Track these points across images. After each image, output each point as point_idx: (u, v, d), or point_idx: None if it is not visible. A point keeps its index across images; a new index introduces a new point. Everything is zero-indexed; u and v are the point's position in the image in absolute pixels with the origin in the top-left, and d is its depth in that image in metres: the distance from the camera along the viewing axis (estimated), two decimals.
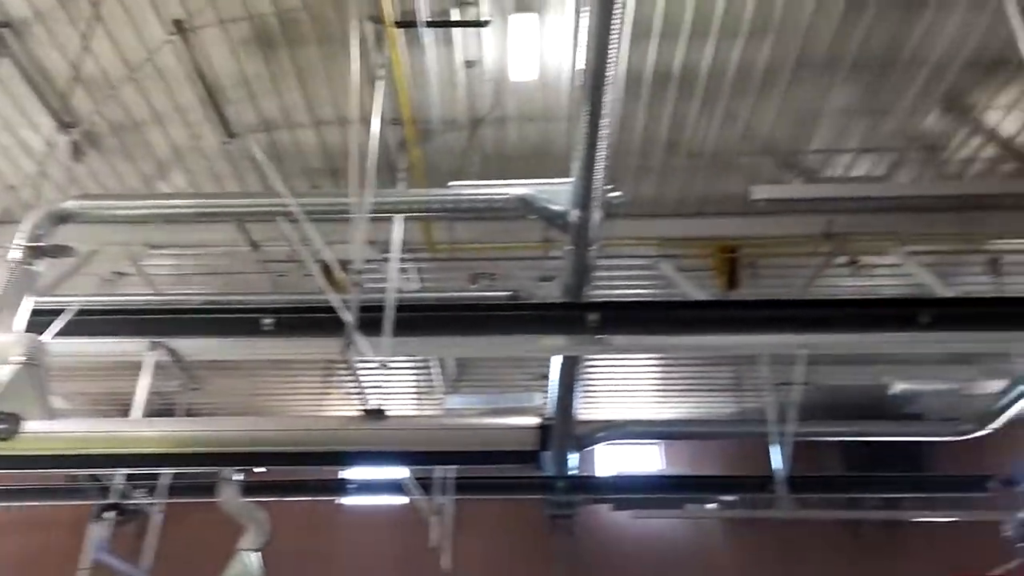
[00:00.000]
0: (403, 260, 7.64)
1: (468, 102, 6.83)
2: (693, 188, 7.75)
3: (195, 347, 5.77)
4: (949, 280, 7.94)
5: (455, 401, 10.03)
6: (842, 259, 8.37)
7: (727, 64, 6.39)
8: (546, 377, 8.84)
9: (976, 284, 8.48)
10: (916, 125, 7.01)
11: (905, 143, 7.21)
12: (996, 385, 9.71)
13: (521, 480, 9.50)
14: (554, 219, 5.94)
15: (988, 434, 10.28)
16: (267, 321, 5.53)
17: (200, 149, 7.34)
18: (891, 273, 8.47)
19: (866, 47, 6.21)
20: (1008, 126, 6.99)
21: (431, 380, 10.67)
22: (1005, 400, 9.65)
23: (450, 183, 6.25)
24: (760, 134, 7.08)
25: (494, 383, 10.96)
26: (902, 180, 7.61)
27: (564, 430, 8.62)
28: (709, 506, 9.95)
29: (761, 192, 4.82)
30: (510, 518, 11.47)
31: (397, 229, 6.30)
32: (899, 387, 9.62)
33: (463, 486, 9.54)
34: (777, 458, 8.70)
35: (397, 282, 5.93)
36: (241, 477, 7.70)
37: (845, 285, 8.67)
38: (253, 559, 6.55)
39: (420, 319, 5.65)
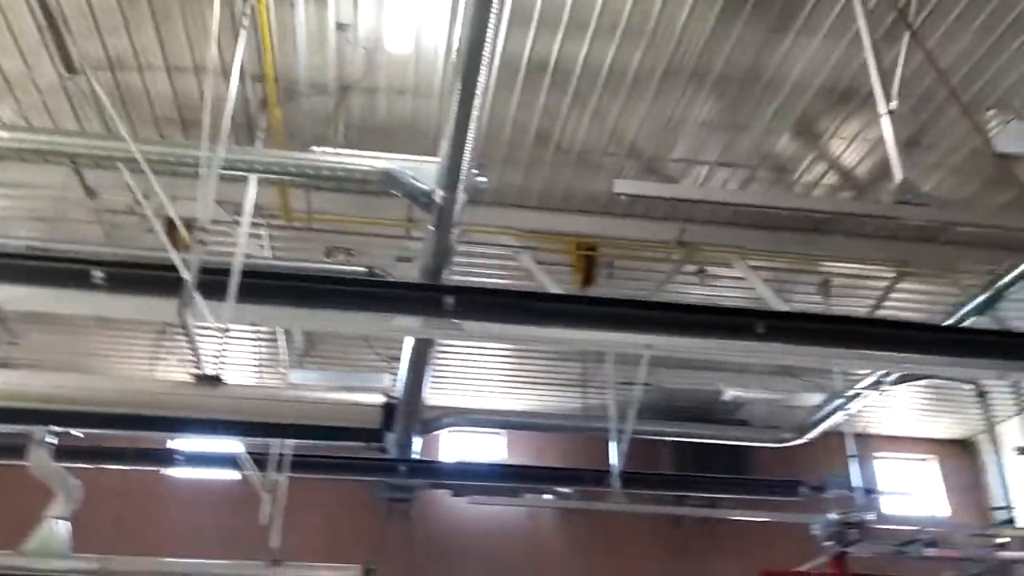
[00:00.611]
0: (254, 224, 7.30)
1: (338, 67, 6.59)
2: (558, 183, 7.83)
3: (13, 296, 5.25)
4: (784, 296, 8.44)
5: (299, 376, 9.69)
6: (691, 267, 8.74)
7: (601, 62, 6.48)
8: (397, 359, 8.71)
9: (808, 303, 9.04)
10: (770, 145, 7.38)
11: (758, 161, 7.57)
12: (815, 398, 10.44)
13: (360, 461, 9.30)
14: (418, 197, 5.83)
15: (804, 443, 11.11)
16: (98, 274, 5.08)
17: (34, 81, 6.70)
18: (734, 285, 8.89)
19: (731, 63, 6.46)
20: (850, 156, 7.49)
21: (276, 353, 10.28)
22: (821, 413, 10.41)
23: (312, 148, 6.01)
24: (627, 136, 7.24)
25: (343, 362, 10.71)
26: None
27: (411, 412, 8.52)
28: (546, 496, 10.14)
29: (623, 187, 4.90)
30: (346, 499, 11.25)
31: (250, 190, 5.99)
32: (730, 393, 10.14)
33: (300, 464, 9.22)
34: (614, 454, 8.97)
35: (246, 246, 5.63)
36: (55, 439, 7.09)
37: (692, 292, 9.04)
38: (60, 528, 6.04)
39: (268, 287, 5.36)
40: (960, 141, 7.24)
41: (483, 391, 11.65)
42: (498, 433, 12.40)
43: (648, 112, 6.98)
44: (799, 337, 7.24)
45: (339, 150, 6.00)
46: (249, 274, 4.99)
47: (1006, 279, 7.73)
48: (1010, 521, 9.85)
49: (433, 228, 5.91)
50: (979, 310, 7.99)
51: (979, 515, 12.37)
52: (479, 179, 5.92)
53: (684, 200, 4.84)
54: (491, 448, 12.36)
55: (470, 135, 5.14)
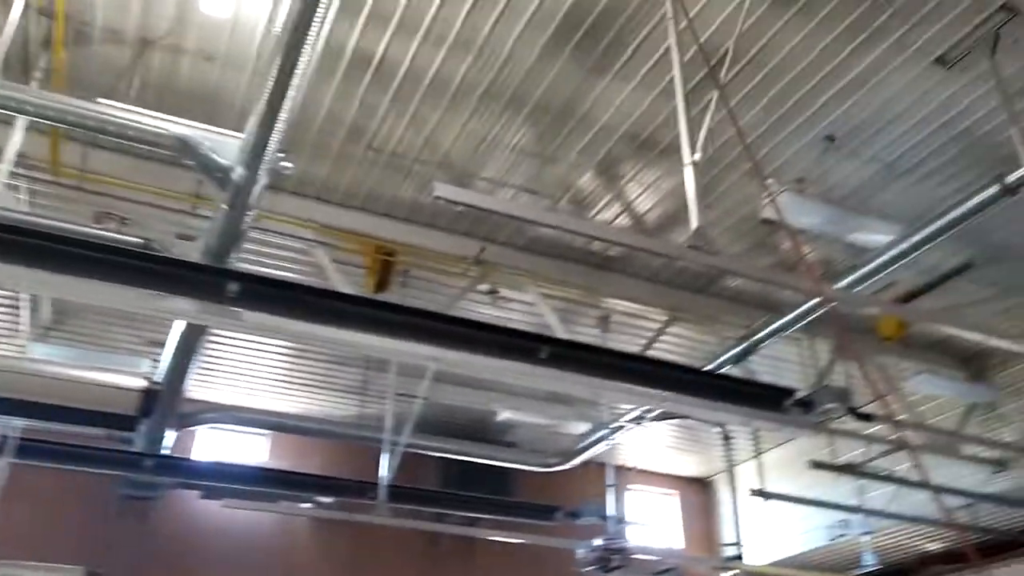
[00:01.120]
0: (15, 174, 6.45)
1: (142, 17, 6.02)
2: (365, 182, 7.64)
3: None
4: (567, 325, 8.77)
5: (41, 351, 8.66)
6: (484, 287, 8.85)
7: (426, 69, 6.42)
8: (157, 344, 8.03)
9: (587, 335, 9.45)
10: (573, 179, 7.66)
11: (561, 193, 7.84)
12: (582, 427, 10.94)
13: (102, 452, 8.41)
14: (213, 171, 5.42)
15: (567, 469, 11.57)
16: None
17: None
18: (521, 310, 9.10)
19: (549, 94, 6.65)
20: (643, 202, 7.94)
21: (16, 322, 9.13)
22: (586, 442, 10.91)
23: (99, 100, 5.42)
24: (441, 147, 7.22)
25: (95, 341, 9.71)
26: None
27: (169, 403, 7.87)
28: (304, 505, 9.74)
29: (444, 191, 4.84)
30: (73, 492, 10.10)
31: (16, 134, 5.29)
32: (505, 415, 10.35)
33: (28, 449, 8.19)
34: (384, 466, 8.82)
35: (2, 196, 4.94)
36: None
37: (482, 312, 9.14)
38: None
39: (19, 244, 4.75)
40: (736, 204, 7.90)
41: (253, 388, 11.04)
42: (262, 434, 11.80)
43: (465, 127, 7.01)
44: (579, 366, 7.52)
45: (130, 107, 5.45)
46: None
47: (759, 335, 8.55)
48: (738, 557, 10.79)
49: (226, 207, 5.52)
50: (734, 360, 8.76)
51: (709, 549, 13.49)
52: (284, 164, 5.61)
53: (500, 214, 4.86)
54: (251, 450, 11.73)
55: (282, 116, 4.87)
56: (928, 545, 11.97)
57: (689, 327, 9.46)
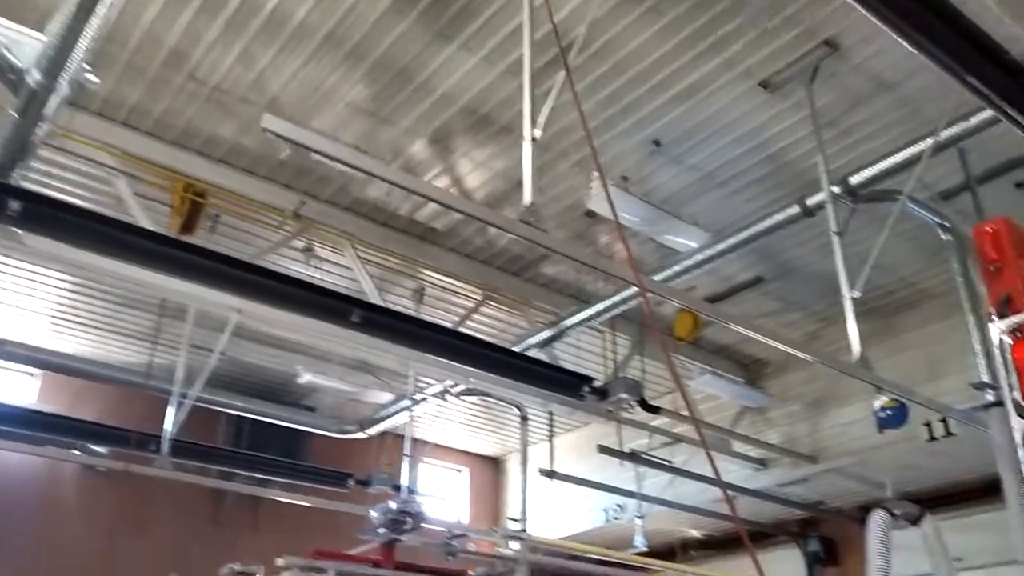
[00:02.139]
0: None
1: None
2: (182, 114, 7.08)
3: None
4: (383, 295, 8.62)
5: None
6: (300, 244, 8.52)
7: (264, 1, 6.03)
8: None
9: (401, 306, 9.35)
10: (405, 145, 7.51)
11: (391, 157, 7.66)
12: (385, 397, 10.84)
13: None
14: (5, 72, 4.82)
15: (364, 438, 11.45)
16: None
17: None
18: (336, 273, 8.82)
19: (392, 53, 6.46)
20: (472, 178, 7.94)
21: None
22: (387, 412, 10.84)
23: None
24: (270, 89, 6.83)
25: None
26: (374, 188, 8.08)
27: None
28: (76, 452, 8.99)
29: (273, 123, 4.55)
30: None
31: None
32: (307, 377, 10.05)
33: None
34: (171, 419, 8.31)
35: None
36: None
37: (295, 270, 8.75)
38: None
39: None
40: (561, 193, 8.08)
41: (26, 321, 10.00)
42: (31, 373, 10.77)
43: (298, 72, 6.66)
44: (390, 333, 7.45)
45: None
46: None
47: (568, 322, 8.84)
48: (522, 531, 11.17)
49: (16, 115, 4.92)
50: (541, 344, 9.01)
51: (496, 524, 13.86)
52: (89, 77, 5.07)
53: (330, 159, 4.62)
54: (18, 388, 10.67)
55: (93, 22, 4.40)
56: (690, 531, 12.99)
57: (502, 308, 9.60)
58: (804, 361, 11.19)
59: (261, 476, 10.35)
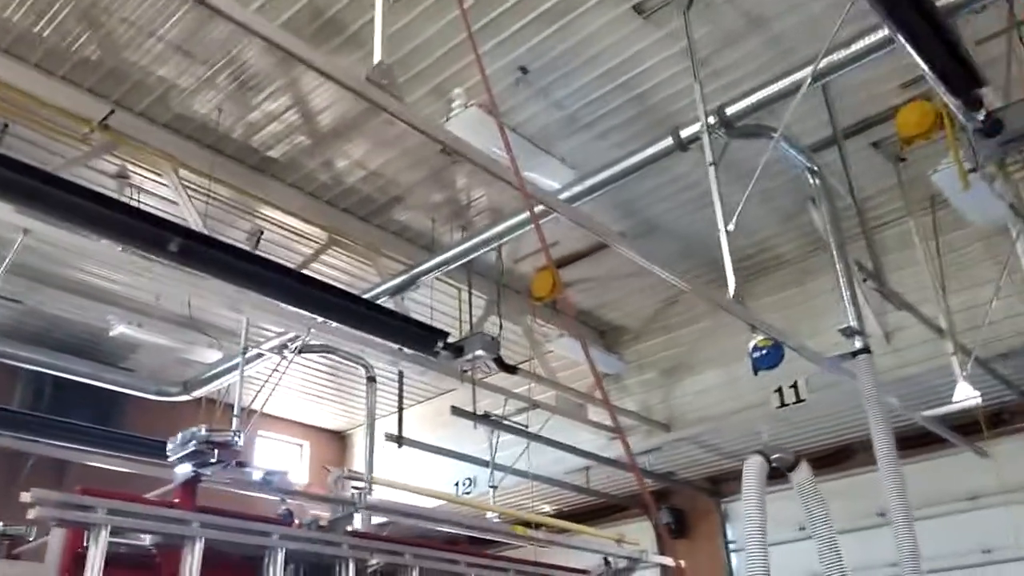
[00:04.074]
0: None
1: None
2: None
3: None
4: (213, 233, 7.57)
5: None
6: (111, 168, 7.34)
7: None
8: None
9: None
10: (241, 50, 6.51)
11: (221, 61, 6.64)
12: (213, 355, 9.72)
13: None
14: None
15: (188, 403, 10.26)
16: None
17: None
18: (158, 206, 7.67)
19: None
20: (318, 98, 7.04)
21: None
22: (214, 371, 9.73)
23: None
24: None
25: None
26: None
27: None
28: None
29: None
30: None
31: None
32: (119, 329, 8.79)
33: None
34: None
35: None
36: None
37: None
38: None
39: None
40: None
41: None
42: None
43: None
44: (215, 267, 6.45)
45: None
46: None
47: (419, 268, 8.11)
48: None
49: None
50: (390, 293, 8.23)
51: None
52: None
53: None
54: None
55: None
56: (543, 505, 12.58)
57: (349, 256, 8.73)
58: (661, 328, 11.08)
59: (59, 444, 8.97)
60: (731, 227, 5.30)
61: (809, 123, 7.17)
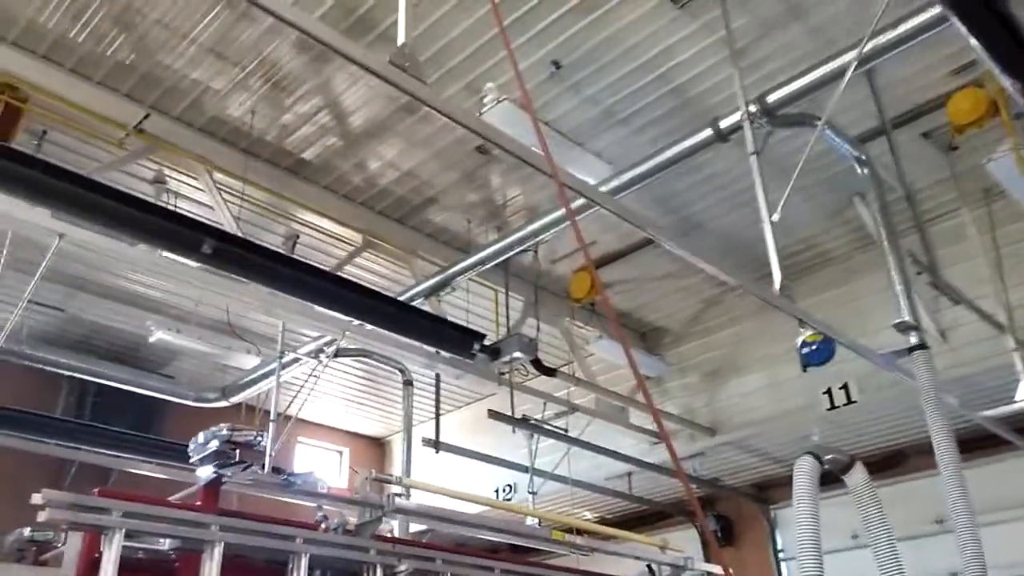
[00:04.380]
0: None
1: None
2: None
3: None
4: (249, 237, 7.56)
5: None
6: (148, 174, 7.37)
7: None
8: None
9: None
10: (270, 51, 6.49)
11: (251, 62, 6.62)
12: (251, 361, 9.70)
13: None
14: None
15: (228, 409, 10.27)
16: None
17: None
18: (194, 212, 7.70)
19: None
20: (348, 98, 6.98)
21: None
22: (252, 377, 9.72)
23: None
24: None
25: None
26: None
27: None
28: None
29: None
30: None
31: None
32: (157, 335, 8.80)
33: None
34: None
35: None
36: None
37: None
38: None
39: None
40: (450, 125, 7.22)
41: None
42: None
43: None
44: (248, 270, 6.41)
45: None
46: None
47: (454, 269, 8.00)
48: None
49: None
50: (425, 294, 8.12)
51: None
52: None
53: None
54: None
55: None
56: (584, 512, 12.35)
57: (384, 257, 8.65)
58: (702, 330, 10.82)
59: (101, 451, 9.04)
60: (776, 218, 5.08)
61: (854, 114, 6.92)
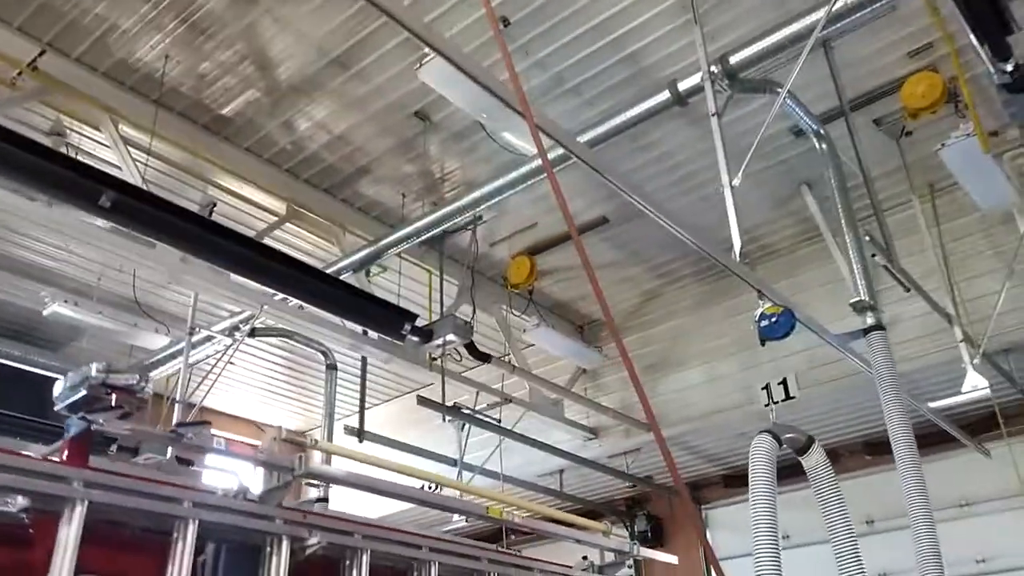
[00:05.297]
0: None
1: None
2: None
3: None
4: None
5: None
6: (47, 123, 6.61)
7: None
8: None
9: None
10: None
11: None
12: (160, 340, 8.95)
13: None
14: None
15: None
16: None
17: None
18: (98, 158, 6.95)
19: None
20: (274, 49, 6.37)
21: None
22: (160, 356, 8.96)
23: None
24: None
25: None
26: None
27: None
28: None
29: None
30: None
31: None
32: (53, 308, 7.98)
33: None
34: None
35: None
36: None
37: None
38: None
39: None
40: (384, 84, 6.68)
41: None
42: None
43: None
44: (152, 226, 5.73)
45: None
46: None
47: (386, 241, 7.46)
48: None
49: None
50: (354, 269, 7.56)
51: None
52: None
53: None
54: None
55: None
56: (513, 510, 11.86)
57: (309, 228, 8.00)
58: (640, 324, 10.49)
59: None
60: (736, 182, 4.73)
61: (810, 94, 6.63)
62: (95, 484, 2.89)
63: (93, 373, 3.35)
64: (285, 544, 3.51)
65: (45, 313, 8.17)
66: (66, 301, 8.04)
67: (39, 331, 9.44)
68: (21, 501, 2.72)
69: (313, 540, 3.60)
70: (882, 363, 4.91)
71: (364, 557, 3.86)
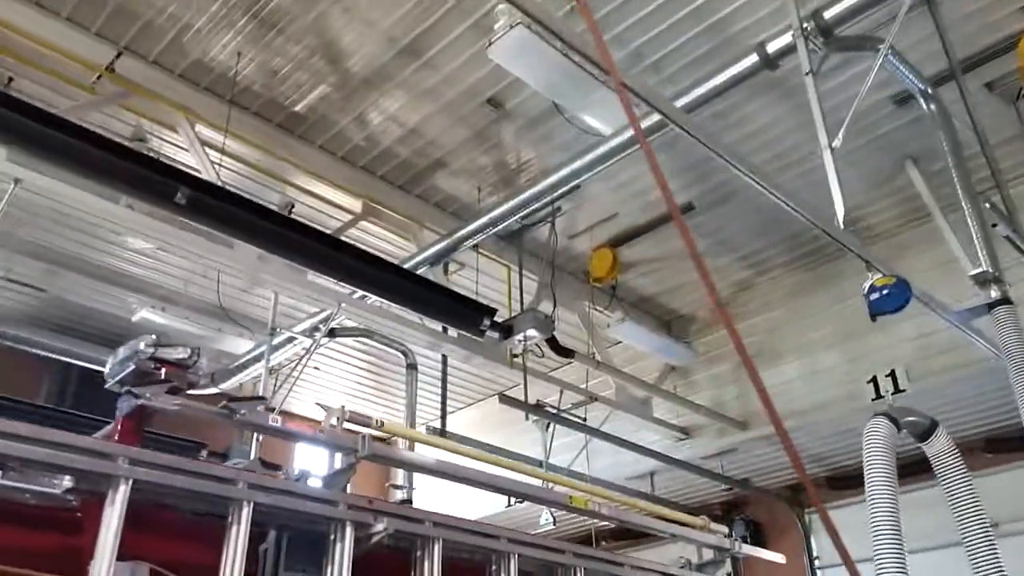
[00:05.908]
0: None
1: None
2: None
3: None
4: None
5: None
6: (129, 128, 6.67)
7: None
8: None
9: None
10: None
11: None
12: (243, 345, 8.99)
13: None
14: None
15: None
16: None
17: None
18: (177, 162, 6.98)
19: None
20: (344, 41, 6.27)
21: None
22: (242, 361, 8.99)
23: None
24: None
25: None
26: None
27: None
28: None
29: None
30: None
31: None
32: (141, 314, 8.10)
33: None
34: None
35: None
36: None
37: None
38: None
39: None
40: (457, 69, 6.47)
41: None
42: None
43: None
44: (228, 223, 5.69)
45: None
46: None
47: (462, 232, 7.25)
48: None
49: None
50: (431, 263, 7.38)
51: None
52: None
53: None
54: None
55: None
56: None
57: (385, 226, 7.86)
58: (733, 317, 9.91)
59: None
60: (836, 143, 4.30)
61: (913, 56, 6.11)
62: (140, 462, 2.74)
63: (142, 347, 3.21)
64: (349, 531, 3.29)
65: (134, 319, 8.32)
66: (154, 307, 8.16)
67: (128, 337, 9.52)
68: (67, 482, 2.58)
69: (379, 527, 3.37)
70: (1012, 340, 4.38)
71: (436, 547, 3.61)
